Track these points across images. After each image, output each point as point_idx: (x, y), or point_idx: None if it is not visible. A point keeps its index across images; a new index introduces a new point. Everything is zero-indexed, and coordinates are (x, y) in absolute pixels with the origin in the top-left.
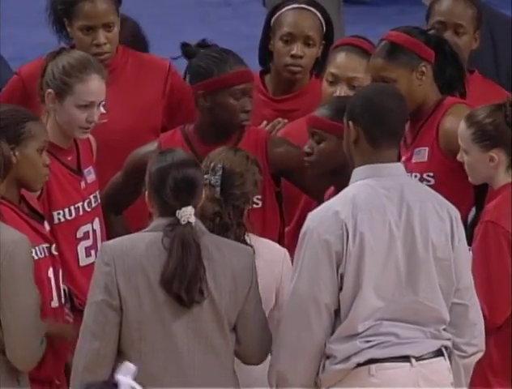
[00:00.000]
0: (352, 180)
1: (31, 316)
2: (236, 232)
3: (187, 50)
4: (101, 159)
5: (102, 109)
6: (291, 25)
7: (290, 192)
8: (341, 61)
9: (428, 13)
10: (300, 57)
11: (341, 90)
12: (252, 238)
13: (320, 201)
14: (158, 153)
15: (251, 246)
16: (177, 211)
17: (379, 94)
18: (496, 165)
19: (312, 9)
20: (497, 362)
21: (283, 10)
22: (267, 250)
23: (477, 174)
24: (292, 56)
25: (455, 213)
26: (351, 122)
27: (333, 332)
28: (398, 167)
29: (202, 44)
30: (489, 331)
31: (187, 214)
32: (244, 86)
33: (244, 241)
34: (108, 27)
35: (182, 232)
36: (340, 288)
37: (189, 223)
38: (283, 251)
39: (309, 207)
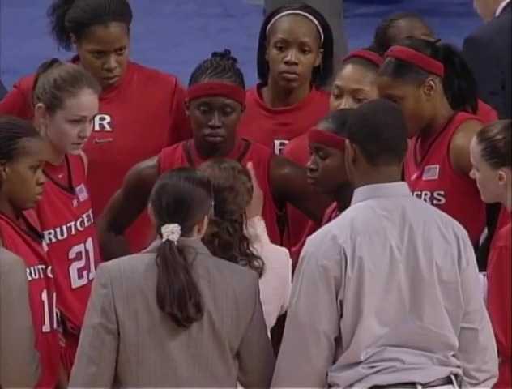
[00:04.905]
0: (353, 201)
1: (26, 341)
2: (240, 247)
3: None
4: (106, 178)
5: (107, 127)
6: (285, 31)
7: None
8: (346, 72)
9: None
10: (295, 63)
11: (346, 103)
12: (257, 246)
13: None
14: (169, 170)
15: (259, 257)
16: (161, 228)
17: (375, 109)
18: (505, 184)
19: (307, 15)
20: None
21: (278, 16)
22: (272, 257)
23: (488, 192)
24: (287, 62)
25: (462, 233)
26: (348, 141)
27: (335, 361)
28: (401, 186)
29: (219, 54)
30: (505, 359)
31: (167, 231)
32: (209, 99)
33: (251, 255)
34: (119, 50)
35: (163, 249)
36: (341, 315)
37: (168, 241)
38: (284, 253)
39: (317, 227)
